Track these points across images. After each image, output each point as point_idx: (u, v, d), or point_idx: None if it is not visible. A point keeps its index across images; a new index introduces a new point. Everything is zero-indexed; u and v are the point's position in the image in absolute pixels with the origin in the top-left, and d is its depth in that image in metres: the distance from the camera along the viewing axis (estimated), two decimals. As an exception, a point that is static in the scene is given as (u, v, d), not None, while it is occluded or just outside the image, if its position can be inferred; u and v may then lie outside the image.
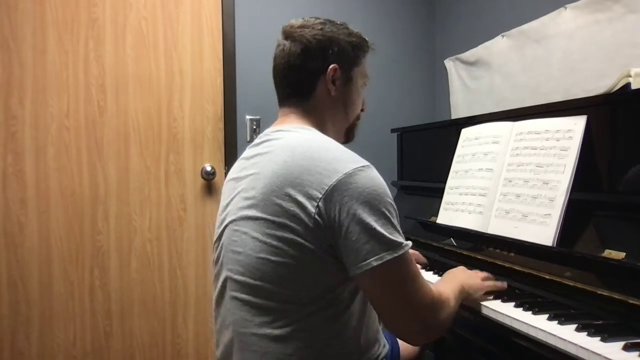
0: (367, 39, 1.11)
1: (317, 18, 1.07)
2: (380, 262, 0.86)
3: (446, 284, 1.06)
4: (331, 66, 1.03)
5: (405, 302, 0.90)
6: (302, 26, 1.05)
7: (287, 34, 1.05)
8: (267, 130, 1.06)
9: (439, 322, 0.94)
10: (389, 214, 0.89)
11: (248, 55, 2.25)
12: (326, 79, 1.04)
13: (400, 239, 0.89)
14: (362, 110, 1.16)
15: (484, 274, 1.19)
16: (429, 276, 1.39)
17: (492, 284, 1.17)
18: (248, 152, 1.06)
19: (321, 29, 1.04)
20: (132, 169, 2.11)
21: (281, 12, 2.30)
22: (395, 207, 0.93)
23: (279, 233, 0.90)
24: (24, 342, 1.98)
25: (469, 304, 1.13)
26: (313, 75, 1.04)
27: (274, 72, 1.09)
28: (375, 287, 0.90)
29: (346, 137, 1.13)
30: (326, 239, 0.89)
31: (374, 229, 0.86)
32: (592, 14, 1.61)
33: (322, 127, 1.04)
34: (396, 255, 0.87)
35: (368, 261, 0.86)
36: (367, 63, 1.12)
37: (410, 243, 0.91)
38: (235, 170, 1.07)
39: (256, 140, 1.06)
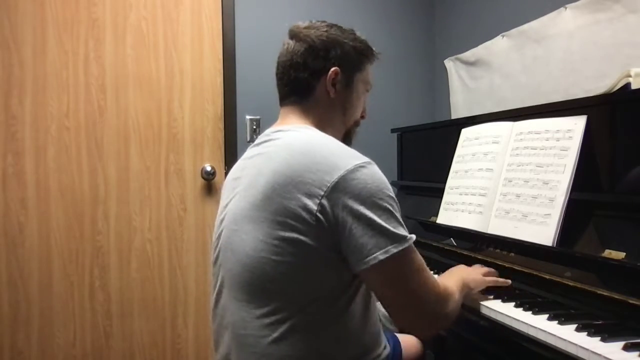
0: (373, 48, 1.12)
1: (324, 22, 1.08)
2: (386, 255, 0.86)
3: (448, 278, 1.08)
4: (332, 69, 1.04)
5: (413, 295, 0.91)
6: (308, 27, 1.06)
7: (293, 34, 1.07)
8: (267, 131, 1.06)
9: (447, 314, 0.96)
10: (391, 209, 0.90)
11: (248, 55, 2.25)
12: (326, 81, 1.04)
13: (404, 232, 0.90)
14: (362, 117, 1.16)
15: (485, 269, 1.22)
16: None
17: (494, 279, 1.19)
18: (248, 152, 1.07)
19: (326, 31, 1.05)
20: (132, 169, 2.11)
21: (281, 12, 2.30)
22: (397, 202, 0.93)
23: (281, 232, 0.89)
24: (24, 342, 1.98)
25: (469, 303, 1.13)
26: (314, 74, 1.04)
27: (277, 70, 1.09)
28: (383, 282, 0.91)
29: (343, 142, 1.12)
30: (328, 236, 0.89)
31: (378, 224, 0.87)
32: (592, 14, 1.61)
33: (320, 128, 1.04)
34: (402, 248, 0.88)
35: (374, 255, 0.86)
36: (372, 71, 1.13)
37: (414, 236, 0.92)
38: (236, 170, 1.07)
39: (257, 141, 1.06)
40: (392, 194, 0.92)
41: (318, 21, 1.08)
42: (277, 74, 1.09)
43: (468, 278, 1.12)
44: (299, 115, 1.06)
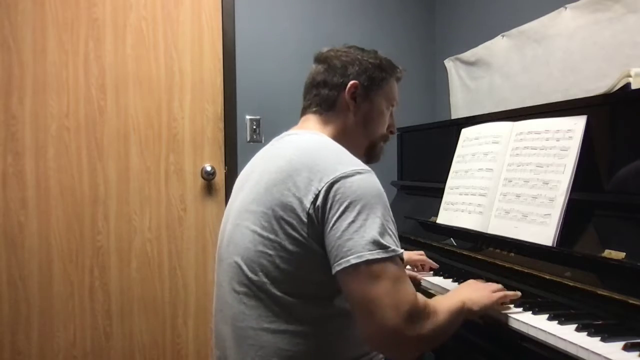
0: (397, 65, 1.15)
1: (346, 44, 1.13)
2: (359, 260, 0.84)
3: (444, 299, 0.99)
4: (351, 82, 1.07)
5: (379, 307, 0.83)
6: (329, 50, 1.13)
7: (316, 58, 1.13)
8: (283, 133, 1.10)
9: (417, 335, 0.85)
10: (381, 217, 0.88)
11: (248, 55, 2.25)
12: (345, 94, 1.07)
13: (389, 242, 0.86)
14: (392, 132, 1.19)
15: (495, 285, 1.09)
16: (439, 281, 1.37)
17: (502, 294, 1.06)
18: (261, 151, 1.11)
19: (345, 52, 1.11)
20: (132, 169, 2.11)
21: (281, 12, 2.29)
22: (392, 214, 0.92)
23: (277, 226, 0.92)
24: (24, 342, 1.98)
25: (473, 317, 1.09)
26: (333, 89, 1.08)
27: (303, 91, 1.14)
28: (351, 286, 0.86)
29: (367, 156, 1.13)
30: (319, 235, 0.90)
31: (360, 228, 0.86)
32: (592, 14, 1.61)
33: (336, 138, 1.05)
34: (378, 257, 0.84)
35: (347, 258, 0.85)
36: (397, 89, 1.16)
37: (401, 251, 0.88)
38: (245, 170, 1.11)
39: (272, 141, 1.10)
40: (386, 204, 0.91)
41: (342, 45, 1.13)
42: (303, 95, 1.14)
43: (470, 298, 0.99)
44: (317, 124, 1.09)
